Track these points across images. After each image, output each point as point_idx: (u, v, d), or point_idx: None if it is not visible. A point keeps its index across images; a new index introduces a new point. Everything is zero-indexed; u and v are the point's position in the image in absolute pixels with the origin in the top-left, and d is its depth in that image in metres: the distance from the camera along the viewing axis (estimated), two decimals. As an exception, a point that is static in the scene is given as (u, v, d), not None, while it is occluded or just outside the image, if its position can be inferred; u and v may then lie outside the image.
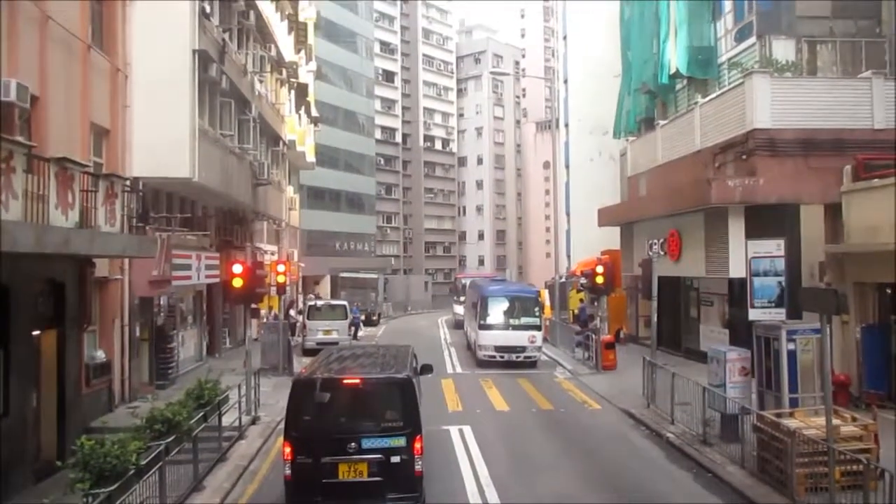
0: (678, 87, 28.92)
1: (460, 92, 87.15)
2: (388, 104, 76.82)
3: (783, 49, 22.21)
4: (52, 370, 12.97)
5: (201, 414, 12.36)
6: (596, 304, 26.09)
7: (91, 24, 15.34)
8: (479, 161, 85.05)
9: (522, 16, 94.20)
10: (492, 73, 77.02)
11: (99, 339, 15.90)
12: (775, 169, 19.63)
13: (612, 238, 32.40)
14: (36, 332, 12.33)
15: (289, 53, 34.77)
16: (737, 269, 19.97)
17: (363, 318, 39.16)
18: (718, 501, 11.15)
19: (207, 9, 19.73)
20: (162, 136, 17.34)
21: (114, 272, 16.25)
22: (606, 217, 31.62)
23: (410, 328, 42.18)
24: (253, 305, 19.12)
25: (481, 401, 19.04)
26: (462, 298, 39.14)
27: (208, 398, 13.14)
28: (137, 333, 17.79)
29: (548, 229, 63.44)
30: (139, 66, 17.32)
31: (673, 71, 27.53)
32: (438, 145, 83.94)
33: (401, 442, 9.88)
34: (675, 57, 27.13)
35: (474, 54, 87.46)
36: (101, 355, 15.68)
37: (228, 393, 14.41)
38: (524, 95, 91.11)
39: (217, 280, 23.34)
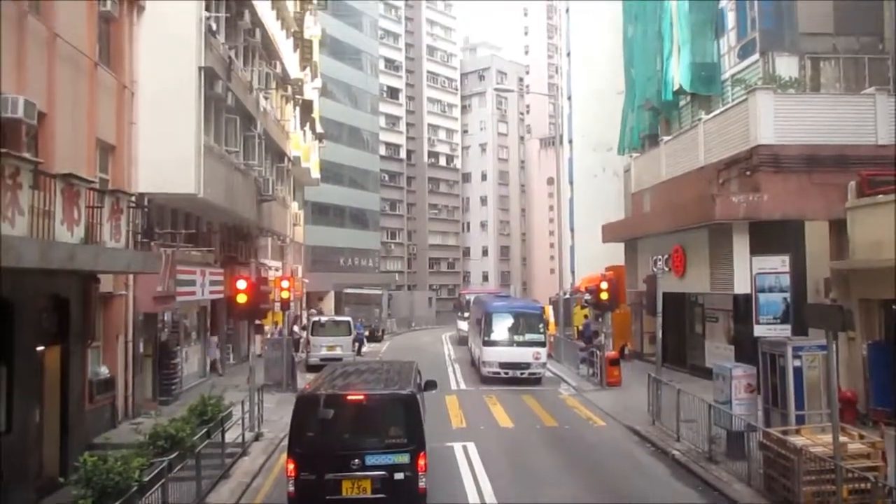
0: (682, 103, 29.01)
1: (464, 108, 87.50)
2: (393, 121, 77.14)
3: (786, 66, 22.28)
4: (55, 386, 12.94)
5: (204, 430, 12.33)
6: (600, 320, 26.00)
7: (98, 42, 15.48)
8: (483, 177, 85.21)
9: (526, 33, 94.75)
10: (496, 89, 77.36)
11: (103, 355, 15.89)
12: (779, 185, 19.62)
13: (616, 254, 32.36)
14: (40, 348, 12.33)
15: (294, 70, 34.98)
16: (741, 285, 19.91)
17: (367, 334, 39.10)
18: (725, 520, 11.08)
19: (213, 26, 19.86)
20: (168, 152, 17.40)
21: (118, 288, 16.27)
22: (611, 233, 31.60)
23: (414, 344, 42.10)
24: (257, 321, 19.13)
25: (485, 417, 18.95)
26: (466, 314, 39.09)
27: (211, 414, 13.12)
28: (141, 349, 17.76)
29: (552, 245, 63.32)
30: (146, 83, 17.44)
31: (676, 88, 27.63)
32: (443, 161, 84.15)
33: (404, 459, 9.86)
34: (678, 74, 27.23)
35: (478, 71, 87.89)
36: (104, 371, 15.66)
37: (232, 409, 14.37)
38: (528, 112, 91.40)
39: (221, 296, 23.34)
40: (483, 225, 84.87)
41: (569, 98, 46.28)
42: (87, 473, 8.92)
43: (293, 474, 9.80)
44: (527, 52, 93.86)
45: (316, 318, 32.00)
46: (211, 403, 13.38)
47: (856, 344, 16.79)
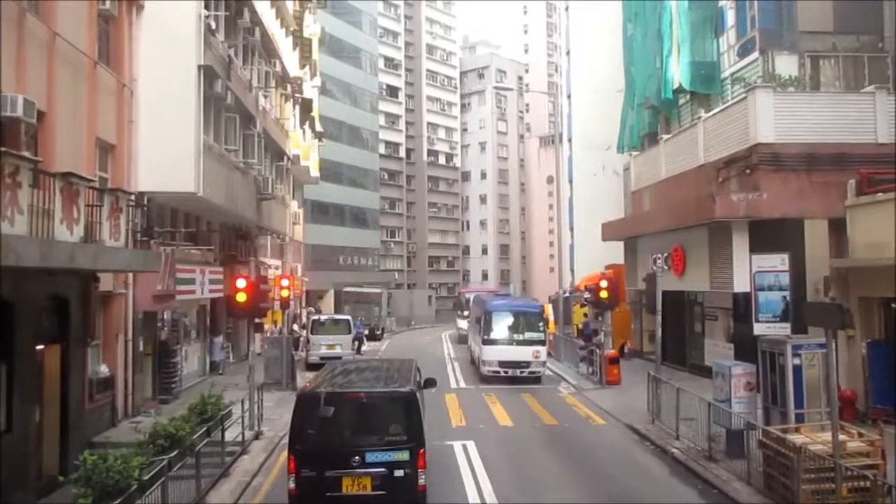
0: (681, 102, 29.00)
1: (464, 107, 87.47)
2: (392, 119, 77.12)
3: (786, 64, 22.26)
4: (55, 385, 12.95)
5: (204, 429, 12.34)
6: (600, 318, 26.03)
7: (98, 41, 15.47)
8: (483, 176, 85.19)
9: (526, 31, 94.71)
10: (495, 88, 77.33)
11: (102, 354, 15.89)
12: (779, 183, 19.62)
13: (616, 253, 32.38)
14: (39, 347, 12.33)
15: (293, 69, 34.96)
16: (741, 284, 19.91)
17: (366, 332, 39.13)
18: (724, 518, 11.09)
19: (213, 25, 19.85)
20: (167, 151, 17.40)
21: (118, 287, 16.27)
22: (610, 232, 31.61)
23: (414, 343, 42.12)
24: (256, 320, 19.13)
25: (485, 416, 18.96)
26: (466, 313, 39.11)
27: (211, 413, 13.14)
28: (141, 348, 17.77)
29: (551, 244, 63.32)
30: (145, 82, 17.43)
31: (676, 86, 27.61)
32: (442, 160, 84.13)
33: (404, 456, 9.93)
34: (678, 72, 27.22)
35: (478, 69, 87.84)
36: (104, 370, 15.67)
37: (231, 408, 14.38)
38: (527, 110, 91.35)
39: (221, 295, 23.35)
40: (483, 223, 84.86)
41: (568, 96, 46.26)
42: (87, 472, 8.93)
43: (294, 471, 9.87)
44: (526, 51, 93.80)
45: (315, 317, 32.02)
46: (211, 402, 13.40)
47: (855, 342, 16.81)
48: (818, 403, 13.00)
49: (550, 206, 68.44)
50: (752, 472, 12.10)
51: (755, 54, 23.09)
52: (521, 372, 24.25)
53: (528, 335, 25.02)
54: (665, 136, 27.79)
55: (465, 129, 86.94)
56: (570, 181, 44.53)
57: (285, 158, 33.12)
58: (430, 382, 13.53)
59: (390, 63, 76.82)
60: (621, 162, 35.12)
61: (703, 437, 14.03)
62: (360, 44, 66.54)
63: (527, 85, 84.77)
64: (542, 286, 73.28)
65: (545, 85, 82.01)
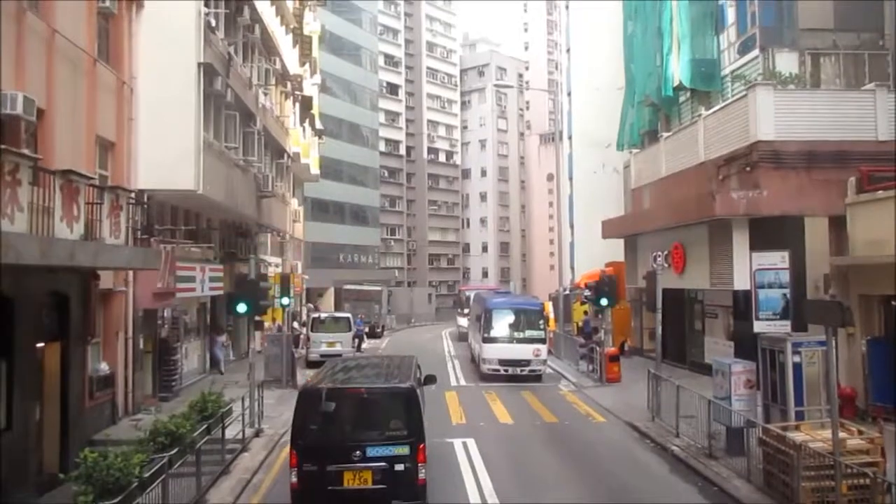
0: (681, 99, 28.97)
1: (464, 104, 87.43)
2: (393, 117, 77.09)
3: (786, 61, 22.22)
4: (55, 383, 12.95)
5: (205, 427, 12.34)
6: (600, 316, 26.01)
7: (97, 38, 15.47)
8: (483, 173, 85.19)
9: (526, 29, 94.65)
10: (495, 85, 77.26)
11: (103, 352, 15.90)
12: (779, 181, 19.60)
13: (616, 250, 32.36)
14: (40, 345, 12.34)
15: (293, 66, 34.93)
16: (741, 282, 19.90)
17: (366, 330, 39.15)
18: (724, 515, 11.10)
19: (213, 22, 19.83)
20: (167, 148, 17.40)
21: (118, 284, 16.27)
22: (610, 229, 31.60)
23: (414, 340, 42.13)
24: (256, 318, 19.13)
25: (485, 413, 18.97)
26: (466, 311, 39.10)
27: (212, 411, 13.14)
28: (141, 346, 17.78)
29: (552, 241, 63.27)
30: (145, 80, 17.43)
31: (676, 83, 27.58)
32: (442, 158, 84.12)
33: (405, 450, 10.06)
34: (678, 69, 27.18)
35: (478, 67, 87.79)
36: (104, 368, 15.68)
37: (232, 405, 14.38)
38: (528, 108, 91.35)
39: (221, 292, 23.36)
40: (483, 221, 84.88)
41: (568, 94, 46.22)
42: (88, 470, 8.94)
43: (296, 465, 9.99)
44: (526, 49, 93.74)
45: (315, 315, 32.02)
46: (211, 400, 13.40)
47: (855, 340, 16.81)
48: (818, 401, 13.00)
49: (550, 204, 68.42)
50: (752, 470, 12.11)
51: (755, 52, 23.06)
52: (522, 370, 24.19)
53: (529, 333, 24.96)
54: (665, 134, 27.77)
55: (465, 127, 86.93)
56: (571, 179, 44.52)
57: (285, 156, 33.11)
58: (430, 379, 13.70)
59: (390, 60, 76.77)
60: (621, 159, 35.10)
61: (704, 434, 14.04)
62: (360, 41, 66.50)
63: (527, 82, 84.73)
64: (542, 284, 73.30)
65: (545, 82, 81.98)
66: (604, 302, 23.40)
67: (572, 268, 43.51)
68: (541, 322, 25.61)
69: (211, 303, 24.68)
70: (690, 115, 27.55)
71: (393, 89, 77.16)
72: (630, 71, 33.74)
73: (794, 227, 19.58)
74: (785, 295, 14.62)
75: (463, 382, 24.71)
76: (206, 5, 19.43)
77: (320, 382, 10.98)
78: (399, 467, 9.98)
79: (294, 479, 9.97)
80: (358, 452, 9.95)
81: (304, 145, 37.66)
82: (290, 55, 34.15)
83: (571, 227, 43.88)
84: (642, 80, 31.62)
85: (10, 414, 11.09)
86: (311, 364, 26.24)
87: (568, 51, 46.95)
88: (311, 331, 29.31)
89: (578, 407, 20.02)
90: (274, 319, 28.99)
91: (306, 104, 38.56)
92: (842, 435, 10.59)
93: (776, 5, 22.72)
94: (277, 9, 31.48)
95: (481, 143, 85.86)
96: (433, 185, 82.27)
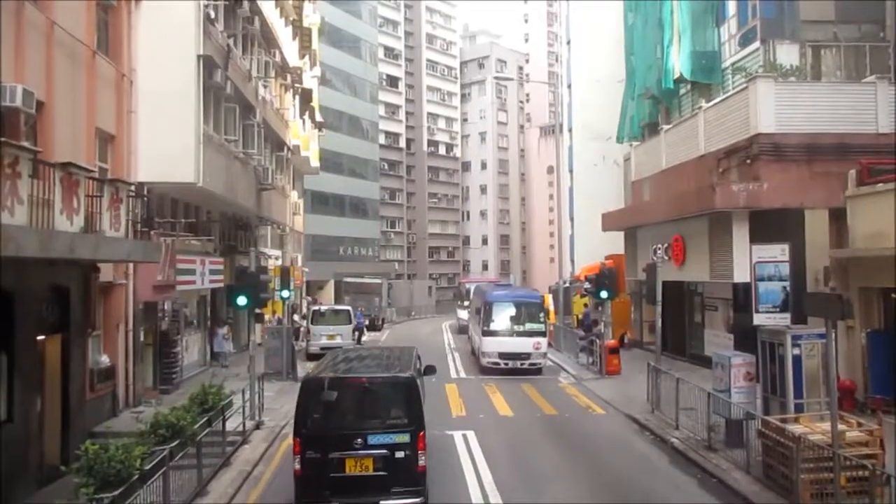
0: (682, 92, 28.92)
1: (464, 97, 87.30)
2: (392, 109, 76.97)
3: (787, 53, 22.17)
4: (56, 375, 12.98)
5: (205, 419, 12.38)
6: (600, 308, 26.03)
7: (97, 31, 15.43)
8: (483, 166, 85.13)
9: (526, 21, 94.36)
10: (495, 78, 77.13)
11: (103, 344, 15.93)
12: (779, 173, 19.57)
13: (616, 243, 32.34)
14: (40, 338, 12.35)
15: (293, 59, 34.85)
16: (741, 274, 19.88)
17: (367, 323, 39.17)
18: (723, 507, 11.13)
19: (212, 14, 19.76)
20: (167, 141, 17.37)
21: (118, 277, 16.28)
22: (610, 222, 31.59)
23: (414, 333, 42.17)
24: (257, 311, 19.13)
25: (485, 406, 19.01)
26: (466, 303, 39.12)
27: (212, 403, 13.17)
28: (142, 338, 17.81)
29: (552, 234, 63.32)
30: (144, 72, 17.39)
31: (677, 76, 27.53)
32: (442, 150, 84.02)
33: (405, 438, 10.26)
34: (678, 62, 27.13)
35: (478, 59, 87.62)
36: (105, 360, 15.70)
37: (232, 398, 14.41)
38: (528, 100, 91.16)
39: (221, 285, 23.37)
40: (483, 214, 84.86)
41: (569, 86, 46.10)
42: (89, 462, 8.96)
43: (299, 453, 10.16)
44: (527, 41, 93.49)
45: (316, 308, 32.04)
46: (211, 392, 13.43)
47: (855, 333, 16.83)
48: (817, 393, 13.02)
49: (551, 197, 68.39)
50: (752, 462, 12.14)
51: (756, 44, 23.01)
52: (522, 364, 24.09)
53: (529, 326, 24.87)
54: (665, 127, 27.74)
55: (465, 119, 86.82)
56: (571, 171, 44.46)
57: (285, 148, 33.07)
58: (429, 369, 13.90)
59: (390, 53, 76.60)
60: (622, 152, 35.05)
61: (703, 426, 14.08)
62: (360, 33, 66.32)
63: (527, 75, 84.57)
64: (542, 276, 73.36)
65: (546, 75, 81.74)
66: (604, 294, 23.38)
67: (572, 260, 43.52)
68: (541, 315, 25.53)
69: (211, 295, 24.70)
70: (691, 107, 27.51)
71: (393, 82, 77.01)
72: (630, 63, 33.68)
73: (794, 219, 19.57)
74: (785, 287, 14.61)
75: (463, 375, 24.75)
76: (206, -3, 19.38)
77: (322, 372, 11.17)
78: (399, 455, 10.18)
79: (297, 466, 10.15)
80: (359, 440, 10.15)
81: (303, 138, 37.62)
82: (289, 47, 34.06)
83: (571, 219, 43.87)
84: (643, 73, 31.57)
85: (11, 406, 11.11)
86: (312, 357, 26.27)
87: (568, 43, 46.81)
88: (312, 323, 29.34)
89: (578, 399, 20.06)
90: (274, 312, 29.02)
91: (306, 96, 38.50)
92: (841, 427, 10.62)
93: (777, -3, 22.66)
94: (277, 1, 31.38)
95: (481, 136, 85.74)
96: (433, 178, 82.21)
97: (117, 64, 16.49)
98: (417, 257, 79.70)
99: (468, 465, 13.28)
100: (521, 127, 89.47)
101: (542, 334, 24.97)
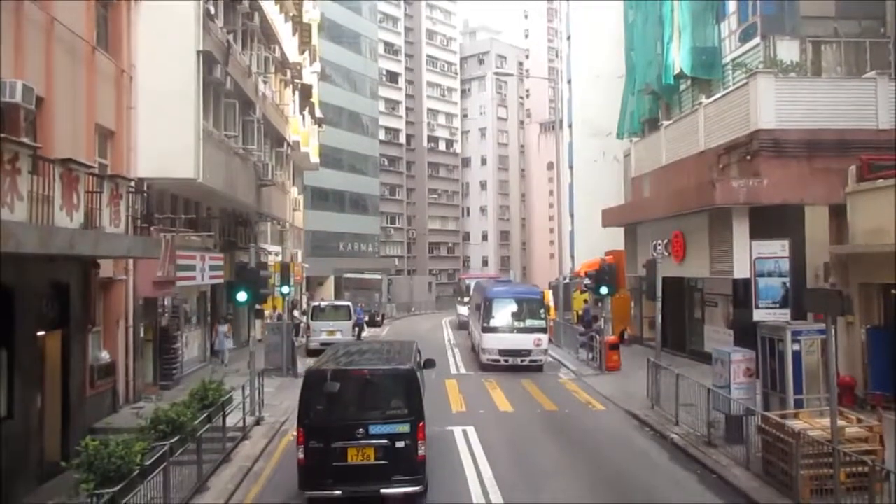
0: (682, 87, 28.87)
1: (464, 93, 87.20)
2: (392, 105, 76.88)
3: (787, 50, 22.13)
4: (56, 371, 12.99)
5: (205, 415, 12.39)
6: (600, 304, 26.02)
7: (96, 27, 15.41)
8: (483, 162, 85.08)
9: (526, 17, 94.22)
10: (495, 73, 77.02)
11: (103, 340, 15.94)
12: (780, 169, 19.56)
13: (616, 239, 32.34)
14: (40, 334, 12.36)
15: (293, 54, 34.81)
16: (741, 270, 19.88)
17: (367, 318, 39.19)
18: (722, 503, 11.13)
19: (212, 10, 19.74)
20: (167, 137, 17.36)
21: (118, 273, 16.29)
22: (610, 218, 31.56)
23: (414, 329, 42.16)
24: (257, 306, 19.13)
25: (485, 402, 19.03)
26: (466, 299, 39.11)
27: (212, 399, 13.18)
28: (142, 334, 17.82)
29: (552, 230, 63.24)
30: (144, 68, 17.38)
31: (677, 72, 27.48)
32: (442, 146, 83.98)
33: (405, 428, 10.55)
34: (678, 58, 27.08)
35: (478, 55, 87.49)
36: (105, 356, 15.72)
37: (232, 394, 14.43)
38: (528, 96, 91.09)
39: (221, 281, 23.37)
40: (483, 210, 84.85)
41: (569, 82, 46.04)
42: (89, 458, 8.98)
43: (302, 443, 10.44)
44: (527, 36, 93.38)
45: (316, 303, 32.04)
46: (212, 388, 13.45)
47: (855, 328, 16.84)
48: (817, 389, 13.03)
49: (551, 193, 68.35)
50: (751, 458, 12.15)
51: (756, 40, 22.96)
52: (522, 360, 23.96)
53: (529, 322, 24.79)
54: (666, 123, 27.70)
55: (465, 115, 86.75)
56: (571, 167, 44.44)
57: (285, 144, 33.05)
58: (429, 363, 14.11)
59: (390, 48, 76.49)
60: (622, 148, 35.02)
61: (703, 422, 14.09)
62: (360, 29, 66.21)
63: (527, 70, 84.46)
64: (542, 272, 73.37)
65: (546, 70, 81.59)
66: (604, 290, 23.38)
67: (572, 256, 43.52)
68: (541, 311, 25.42)
69: (211, 291, 24.70)
70: (691, 103, 27.47)
71: (393, 77, 76.92)
72: (631, 59, 33.61)
73: (794, 215, 19.56)
74: (785, 283, 14.62)
75: (463, 370, 24.76)
76: (205, -7, 19.35)
77: (325, 365, 11.44)
78: (400, 444, 10.46)
79: (301, 456, 10.43)
80: (361, 430, 10.43)
81: (303, 133, 37.58)
82: (289, 43, 34.01)
83: (571, 215, 43.85)
84: (643, 69, 31.50)
85: (12, 402, 11.13)
86: (312, 353, 26.28)
87: (568, 38, 46.74)
88: (312, 319, 29.35)
89: (578, 395, 20.08)
90: (274, 308, 29.04)
91: (306, 92, 38.45)
92: (841, 423, 10.63)
93: (778, -7, 22.62)
94: (277, -4, 31.35)
95: (481, 132, 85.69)
96: (433, 174, 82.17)
97: (117, 60, 16.47)
98: (417, 253, 79.71)
99: (468, 460, 13.29)
100: (521, 123, 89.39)
101: (543, 331, 24.88)
